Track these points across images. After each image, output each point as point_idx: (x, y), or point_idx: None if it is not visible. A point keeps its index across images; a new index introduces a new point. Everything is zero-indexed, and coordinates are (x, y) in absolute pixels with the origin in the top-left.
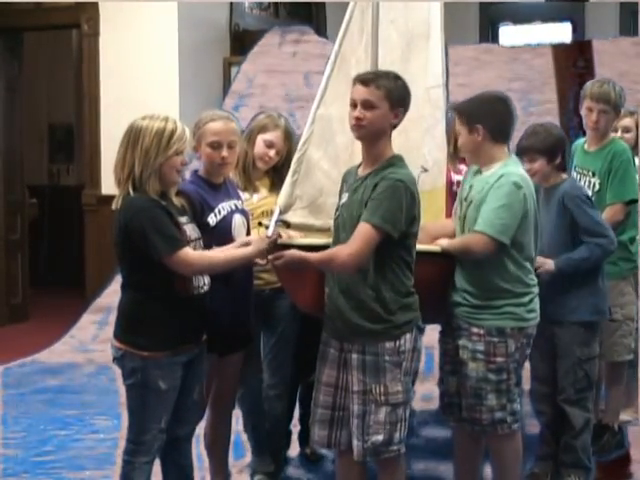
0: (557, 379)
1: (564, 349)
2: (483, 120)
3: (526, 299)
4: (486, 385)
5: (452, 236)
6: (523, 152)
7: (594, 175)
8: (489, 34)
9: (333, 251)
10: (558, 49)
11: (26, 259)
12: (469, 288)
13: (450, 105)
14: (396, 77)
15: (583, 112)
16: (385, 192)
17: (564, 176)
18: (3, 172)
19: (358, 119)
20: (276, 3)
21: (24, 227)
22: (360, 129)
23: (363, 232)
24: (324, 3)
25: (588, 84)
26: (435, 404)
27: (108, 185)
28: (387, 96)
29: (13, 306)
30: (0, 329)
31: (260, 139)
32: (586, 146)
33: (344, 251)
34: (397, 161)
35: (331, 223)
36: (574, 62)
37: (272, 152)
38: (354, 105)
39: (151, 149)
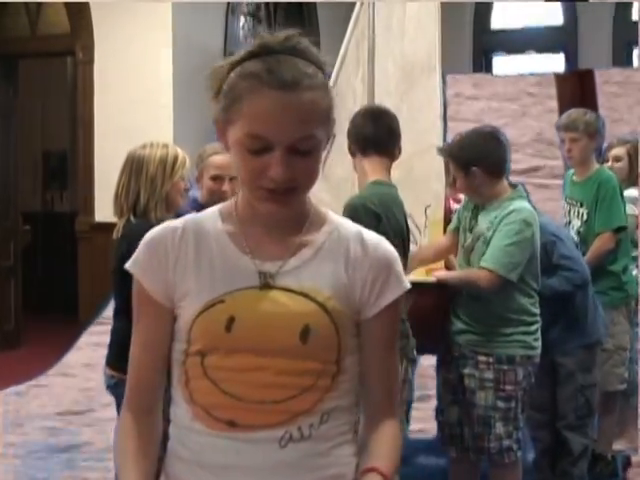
0: (557, 406)
1: (565, 376)
2: (478, 162)
3: (533, 328)
4: (495, 413)
5: (443, 255)
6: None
7: (582, 205)
8: (482, 64)
9: None
10: (560, 78)
11: (19, 285)
12: (475, 316)
13: (441, 149)
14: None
15: (560, 145)
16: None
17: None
18: None
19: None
20: (270, 32)
21: (17, 253)
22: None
23: None
24: (319, 31)
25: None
26: (428, 433)
27: (102, 212)
28: None
29: (6, 332)
30: None
31: None
32: (574, 177)
33: None
34: (372, 185)
35: None
36: (576, 91)
37: None
38: None
39: (157, 177)
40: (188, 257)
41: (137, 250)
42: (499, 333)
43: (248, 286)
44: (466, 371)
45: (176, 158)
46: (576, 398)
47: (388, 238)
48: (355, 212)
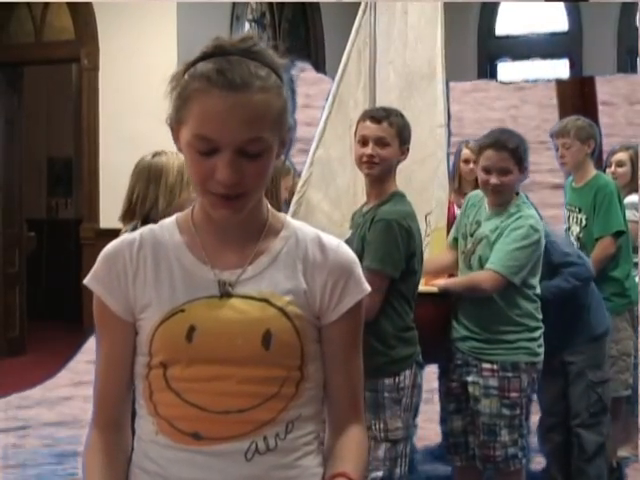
0: (569, 406)
1: (576, 374)
2: (527, 161)
3: (537, 334)
4: (500, 421)
5: (449, 270)
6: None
7: (580, 211)
8: (487, 70)
9: None
10: (561, 84)
11: (24, 292)
12: (479, 322)
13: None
14: (402, 115)
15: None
16: (379, 234)
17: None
18: (2, 205)
19: (371, 156)
20: (275, 39)
21: (22, 260)
22: (373, 167)
23: (368, 280)
24: (323, 40)
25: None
26: (432, 440)
27: (106, 219)
28: (398, 134)
29: (11, 339)
30: None
31: (282, 185)
32: (573, 183)
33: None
34: (396, 197)
35: None
36: (577, 97)
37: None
38: (364, 142)
39: (176, 185)
40: (147, 269)
41: (95, 265)
42: (503, 340)
43: (208, 295)
44: (470, 379)
45: None
46: (588, 395)
47: (417, 255)
48: (391, 228)
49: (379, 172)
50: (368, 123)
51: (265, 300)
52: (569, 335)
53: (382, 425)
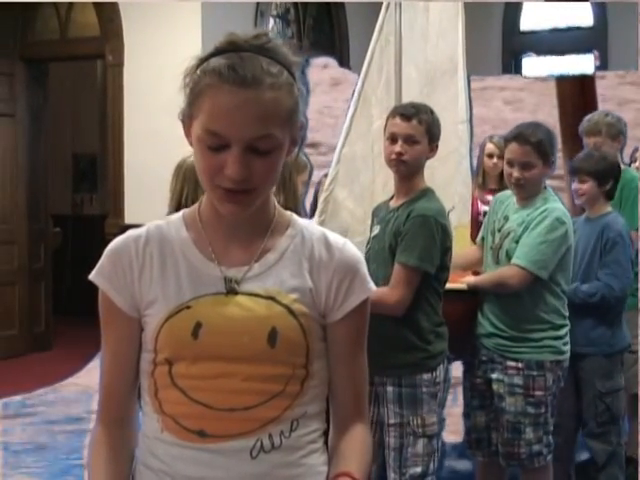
0: (581, 412)
1: (586, 382)
2: (554, 155)
3: (563, 332)
4: (525, 419)
5: (475, 266)
6: (575, 172)
7: None
8: (512, 65)
9: (379, 296)
10: (561, 84)
11: (49, 288)
12: (505, 319)
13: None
14: (432, 111)
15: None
16: (418, 229)
17: (609, 208)
18: (27, 201)
19: (400, 154)
20: (299, 35)
21: (48, 256)
22: (402, 164)
23: (404, 275)
24: (347, 35)
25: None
26: (456, 436)
27: (131, 214)
28: (428, 131)
29: (36, 335)
30: (23, 357)
31: (298, 180)
32: None
33: (391, 298)
34: (429, 193)
35: None
36: (577, 97)
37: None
38: (393, 140)
39: None
40: (153, 265)
41: (100, 261)
42: (529, 338)
43: (214, 292)
44: (494, 376)
45: None
46: (596, 405)
47: (449, 248)
48: (430, 225)
49: (408, 170)
50: (397, 120)
51: (271, 298)
52: (584, 342)
53: (420, 420)
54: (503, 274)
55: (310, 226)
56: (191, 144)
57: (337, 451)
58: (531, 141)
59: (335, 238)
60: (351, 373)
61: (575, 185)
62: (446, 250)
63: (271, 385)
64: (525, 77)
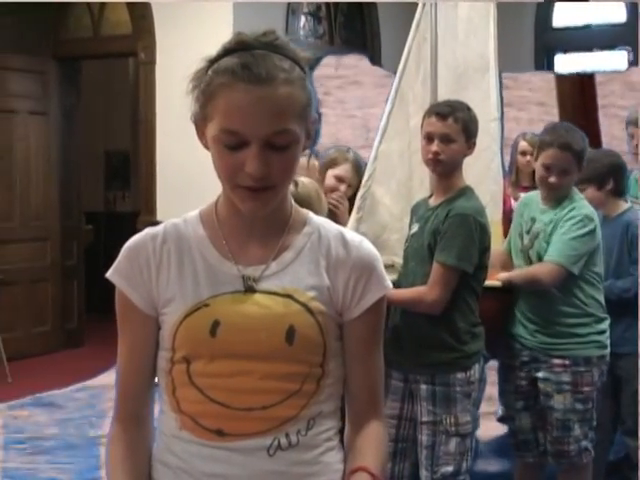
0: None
1: (625, 380)
2: (586, 158)
3: (605, 325)
4: (573, 416)
5: (506, 264)
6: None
7: None
8: (544, 62)
9: (417, 294)
10: (561, 83)
11: (82, 285)
12: (549, 317)
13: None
14: (468, 108)
15: (628, 139)
16: (457, 228)
17: (625, 205)
18: (60, 198)
19: (437, 154)
20: (331, 32)
21: (80, 253)
22: (438, 164)
23: (442, 275)
24: (379, 32)
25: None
26: (489, 435)
27: (163, 212)
28: (464, 129)
29: (69, 331)
30: (55, 354)
31: (330, 174)
32: (638, 175)
33: (429, 296)
34: (468, 192)
35: (395, 259)
36: (577, 96)
37: (343, 186)
38: (429, 139)
39: (322, 213)
40: (171, 264)
41: (117, 259)
42: (575, 334)
43: (232, 290)
44: (540, 375)
45: None
46: (634, 403)
47: (487, 248)
48: (469, 224)
49: (445, 169)
50: (433, 119)
51: (289, 296)
52: (623, 339)
53: (453, 419)
54: (536, 270)
55: (326, 224)
56: (205, 146)
57: (353, 447)
58: (573, 149)
59: (352, 236)
60: (367, 370)
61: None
62: (484, 249)
63: (288, 384)
64: (557, 74)
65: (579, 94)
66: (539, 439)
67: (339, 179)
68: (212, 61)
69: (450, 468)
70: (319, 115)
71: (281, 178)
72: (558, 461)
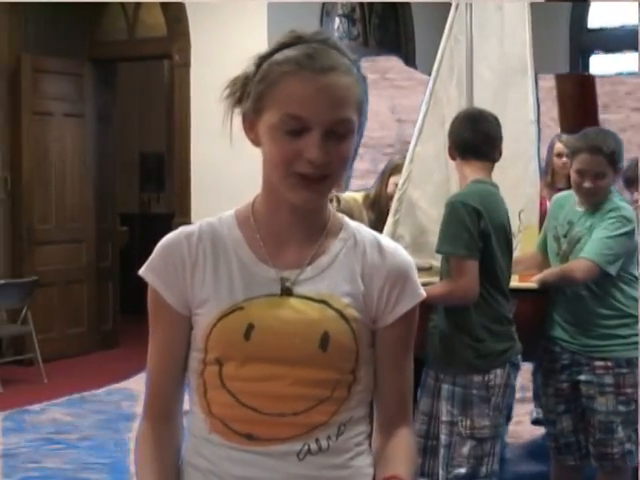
0: None
1: None
2: (622, 160)
3: None
4: (616, 418)
5: (542, 265)
6: (631, 183)
7: None
8: (579, 63)
9: (449, 288)
10: (561, 83)
11: (117, 286)
12: (591, 319)
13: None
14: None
15: None
16: (445, 217)
17: None
18: (95, 200)
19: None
20: (365, 34)
21: (115, 254)
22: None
23: (455, 266)
24: (413, 34)
25: None
26: (524, 438)
27: (198, 213)
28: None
29: (104, 332)
30: (91, 355)
31: (392, 181)
32: None
33: (458, 288)
34: (470, 183)
35: (433, 262)
36: (577, 96)
37: None
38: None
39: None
40: (206, 263)
41: (151, 256)
42: (616, 335)
43: (267, 294)
44: (582, 378)
45: None
46: None
47: (489, 233)
48: (456, 210)
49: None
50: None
51: (324, 302)
52: None
53: (469, 422)
54: (570, 266)
55: (362, 230)
56: (252, 141)
57: (384, 454)
58: (604, 152)
59: (387, 242)
60: (397, 378)
61: (636, 195)
62: (487, 234)
63: (319, 390)
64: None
65: (579, 94)
66: (580, 442)
67: None
68: (266, 56)
69: (462, 470)
70: (365, 118)
71: (337, 168)
72: (601, 464)
